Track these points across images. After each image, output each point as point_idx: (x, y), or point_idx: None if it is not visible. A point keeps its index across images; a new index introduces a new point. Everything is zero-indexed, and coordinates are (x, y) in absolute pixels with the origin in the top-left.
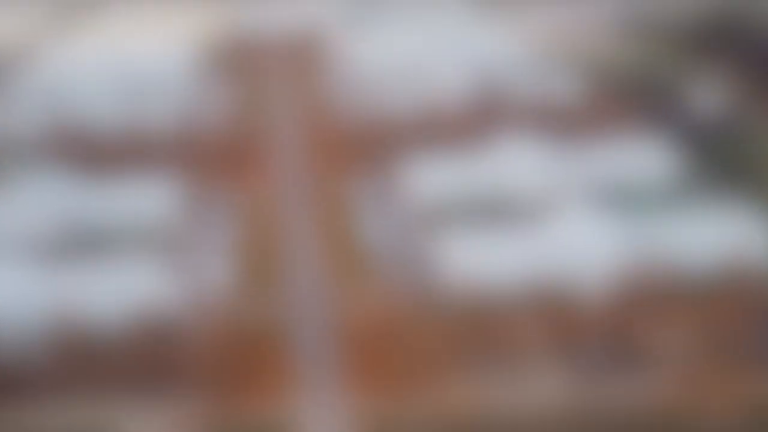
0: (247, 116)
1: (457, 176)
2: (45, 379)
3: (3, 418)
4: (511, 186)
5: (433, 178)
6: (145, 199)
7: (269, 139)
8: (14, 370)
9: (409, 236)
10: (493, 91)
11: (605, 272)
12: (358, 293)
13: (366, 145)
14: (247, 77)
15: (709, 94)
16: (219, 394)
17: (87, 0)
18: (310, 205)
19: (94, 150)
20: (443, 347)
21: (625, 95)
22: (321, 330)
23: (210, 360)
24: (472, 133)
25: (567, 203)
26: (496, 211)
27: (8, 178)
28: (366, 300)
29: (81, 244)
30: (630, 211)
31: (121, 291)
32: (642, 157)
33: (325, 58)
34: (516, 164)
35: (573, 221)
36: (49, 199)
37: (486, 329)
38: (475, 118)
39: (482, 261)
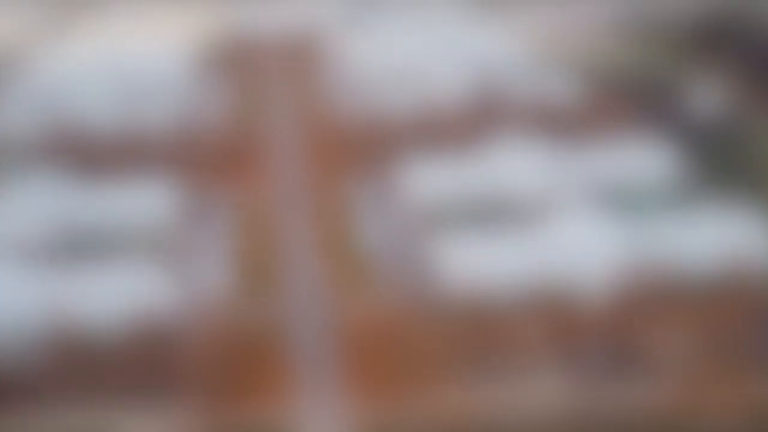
0: (246, 117)
1: (456, 178)
2: (43, 382)
3: (1, 421)
4: (510, 188)
5: (432, 179)
6: (143, 201)
7: (268, 141)
8: (12, 374)
9: (409, 238)
10: (493, 92)
11: (605, 274)
12: (357, 295)
13: (365, 147)
14: (245, 78)
15: (709, 95)
16: (218, 397)
17: (85, 0)
18: (309, 207)
19: (92, 151)
20: (443, 350)
21: (624, 96)
22: (320, 332)
23: (209, 363)
24: (472, 134)
25: (567, 205)
26: (495, 213)
27: (5, 179)
28: (365, 302)
29: (79, 246)
30: (629, 212)
31: (119, 293)
32: (642, 159)
33: (324, 59)
34: (515, 166)
35: (573, 223)
36: (46, 202)
37: (485, 332)
38: (474, 120)
39: (482, 263)
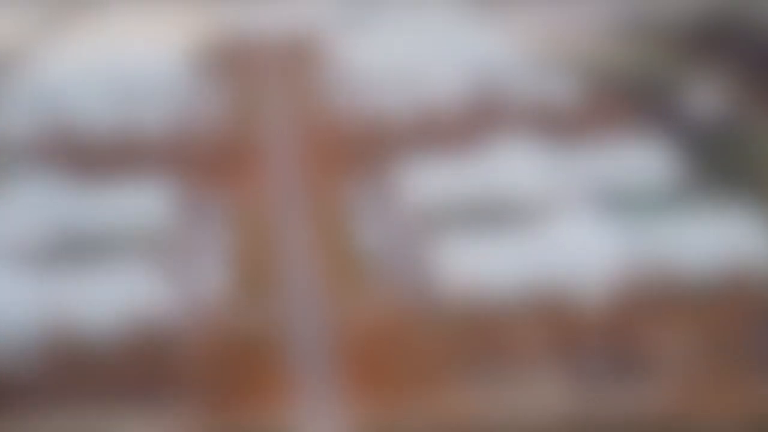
0: (244, 118)
1: (455, 179)
2: (41, 385)
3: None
4: (509, 189)
5: (431, 180)
6: (141, 203)
7: (266, 142)
8: (10, 376)
9: (407, 239)
10: (492, 92)
11: (605, 276)
12: (356, 297)
13: (363, 148)
14: (243, 79)
15: (709, 95)
16: (216, 399)
17: (82, 2)
18: (308, 209)
19: (90, 153)
20: (442, 352)
21: (624, 96)
22: (318, 334)
23: (207, 365)
24: (471, 135)
25: (566, 206)
26: (494, 214)
27: (3, 181)
28: (363, 305)
29: (76, 248)
30: (629, 213)
31: (117, 295)
32: (641, 159)
33: (322, 59)
34: (514, 166)
35: (572, 224)
36: (44, 203)
37: (485, 334)
38: (473, 121)
39: (481, 265)
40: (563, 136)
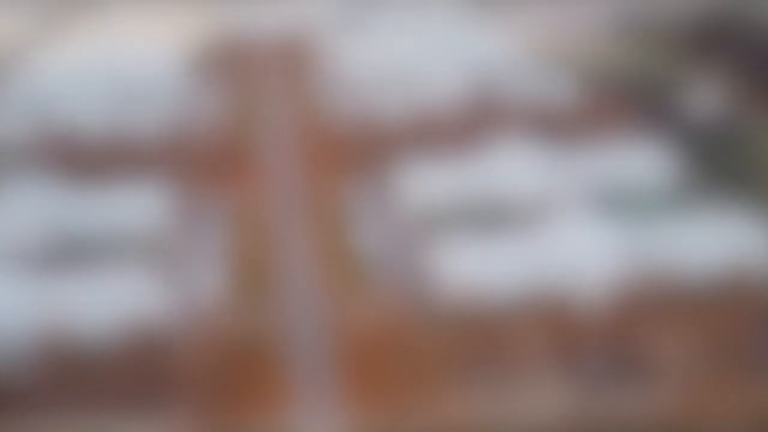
0: (242, 120)
1: (454, 180)
2: (38, 390)
3: None
4: (508, 190)
5: (430, 182)
6: (138, 206)
7: (264, 143)
8: (6, 381)
9: (406, 241)
10: (490, 94)
11: (604, 278)
12: (355, 300)
13: (362, 149)
14: (240, 81)
15: (708, 95)
16: (215, 403)
17: (79, 3)
18: (306, 211)
19: (86, 155)
20: (441, 354)
21: (623, 97)
22: (318, 337)
23: (205, 369)
24: (470, 136)
25: (566, 207)
26: (493, 216)
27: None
28: (362, 309)
29: (72, 251)
30: (629, 214)
31: (114, 299)
32: (641, 160)
33: (321, 60)
34: (514, 168)
35: (572, 226)
36: (40, 206)
37: (484, 336)
38: (471, 122)
39: (480, 267)
40: (563, 137)
